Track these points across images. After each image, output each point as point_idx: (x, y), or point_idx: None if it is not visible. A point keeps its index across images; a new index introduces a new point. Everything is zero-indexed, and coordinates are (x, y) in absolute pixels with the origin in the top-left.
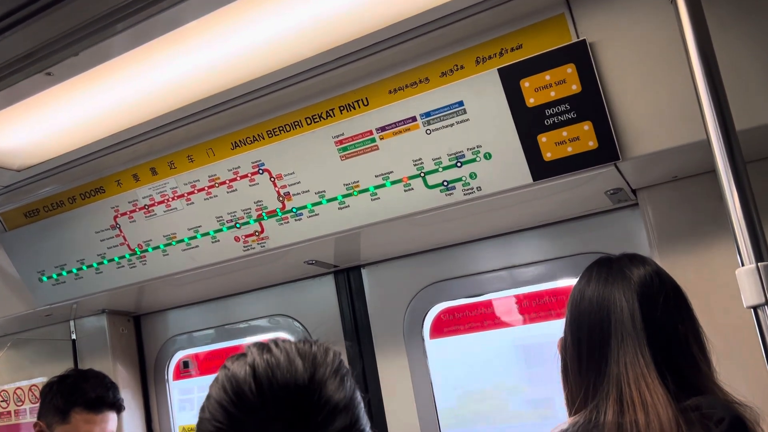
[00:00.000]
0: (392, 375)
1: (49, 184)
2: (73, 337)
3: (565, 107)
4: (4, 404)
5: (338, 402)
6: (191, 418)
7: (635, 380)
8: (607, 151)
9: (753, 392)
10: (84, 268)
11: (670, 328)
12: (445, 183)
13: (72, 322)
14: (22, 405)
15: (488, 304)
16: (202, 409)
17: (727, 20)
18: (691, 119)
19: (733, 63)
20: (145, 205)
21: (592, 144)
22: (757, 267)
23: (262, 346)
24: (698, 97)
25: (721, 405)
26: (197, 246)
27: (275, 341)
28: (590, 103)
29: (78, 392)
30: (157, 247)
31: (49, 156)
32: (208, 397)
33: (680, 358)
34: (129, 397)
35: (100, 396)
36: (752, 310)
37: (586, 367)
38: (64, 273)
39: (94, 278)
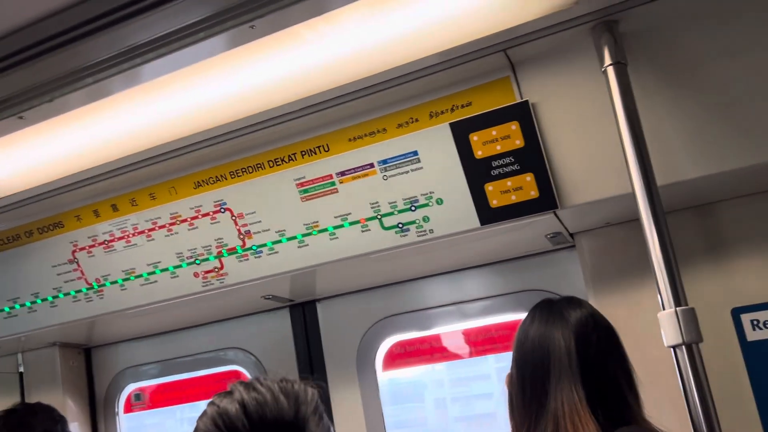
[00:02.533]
0: (345, 407)
1: (7, 219)
2: (20, 369)
3: (510, 160)
4: None
5: None
6: None
7: (570, 414)
8: (547, 200)
9: (674, 421)
10: (38, 301)
11: (601, 366)
12: (400, 225)
13: (19, 355)
14: None
15: (438, 337)
16: None
17: (651, 89)
18: (622, 173)
19: (656, 126)
20: (105, 240)
21: (533, 193)
22: (676, 311)
23: (247, 385)
24: (625, 155)
25: None
26: (156, 281)
27: (258, 379)
28: (532, 157)
29: (25, 426)
30: (115, 282)
31: (9, 192)
32: (197, 429)
33: (610, 393)
34: (78, 430)
35: (48, 430)
36: (672, 349)
37: (529, 401)
38: (17, 306)
39: (49, 312)
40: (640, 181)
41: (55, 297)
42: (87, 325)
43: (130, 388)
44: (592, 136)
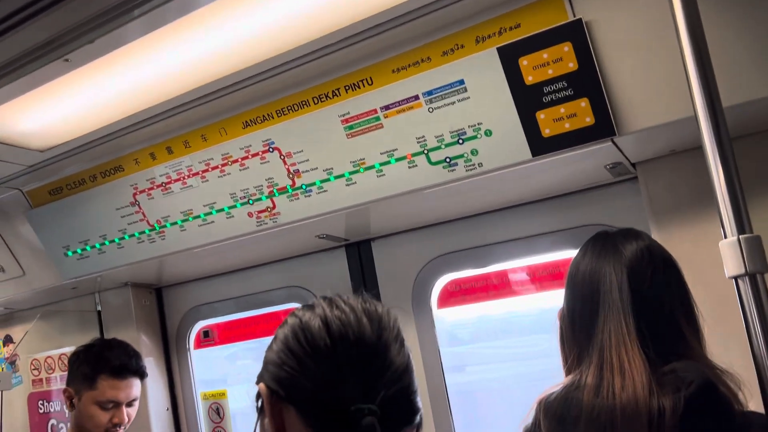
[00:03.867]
0: None
1: (71, 164)
2: (98, 308)
3: (563, 84)
4: (36, 372)
5: (399, 365)
6: (211, 385)
7: (616, 347)
8: (604, 126)
9: (740, 358)
10: (107, 243)
11: (656, 300)
12: (448, 159)
13: (97, 295)
14: (52, 373)
15: (494, 275)
16: (270, 350)
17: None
18: (685, 95)
19: (722, 41)
20: (162, 182)
21: (589, 120)
22: (738, 239)
23: (330, 301)
24: (687, 74)
25: (695, 369)
26: (213, 222)
27: (340, 297)
28: (587, 81)
29: (103, 360)
30: (175, 223)
31: (71, 137)
32: (276, 340)
33: (665, 328)
34: (152, 364)
35: (124, 363)
36: (734, 280)
37: (578, 334)
38: (88, 248)
39: (117, 253)
40: (703, 103)
41: (121, 239)
42: (155, 265)
43: (200, 325)
44: (652, 55)
